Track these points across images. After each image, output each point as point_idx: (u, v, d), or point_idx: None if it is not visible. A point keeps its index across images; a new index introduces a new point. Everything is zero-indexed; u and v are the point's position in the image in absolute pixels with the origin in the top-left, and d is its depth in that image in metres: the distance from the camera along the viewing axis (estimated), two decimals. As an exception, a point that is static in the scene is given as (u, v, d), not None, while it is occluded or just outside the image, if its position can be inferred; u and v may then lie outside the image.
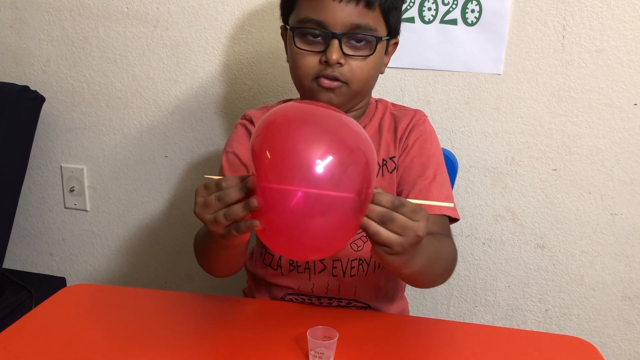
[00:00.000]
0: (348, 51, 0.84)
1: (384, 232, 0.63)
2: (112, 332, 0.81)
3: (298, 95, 0.96)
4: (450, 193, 0.94)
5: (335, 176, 0.58)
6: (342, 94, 0.86)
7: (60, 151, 1.52)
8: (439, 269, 0.83)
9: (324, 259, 0.94)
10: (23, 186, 1.51)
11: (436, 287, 1.39)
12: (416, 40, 1.23)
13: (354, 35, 0.83)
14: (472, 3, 1.18)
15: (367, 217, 0.62)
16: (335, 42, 0.82)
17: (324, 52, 0.83)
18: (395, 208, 0.63)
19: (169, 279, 1.57)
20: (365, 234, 0.64)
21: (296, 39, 0.85)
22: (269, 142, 0.61)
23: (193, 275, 1.55)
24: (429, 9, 1.21)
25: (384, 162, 0.94)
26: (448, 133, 1.28)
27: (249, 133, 0.98)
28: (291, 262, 0.96)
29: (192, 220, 1.48)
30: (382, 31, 0.86)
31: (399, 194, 0.93)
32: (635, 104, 1.18)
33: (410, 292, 1.36)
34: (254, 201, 0.60)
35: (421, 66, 1.25)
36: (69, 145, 1.51)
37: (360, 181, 0.60)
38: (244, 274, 1.08)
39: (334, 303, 0.97)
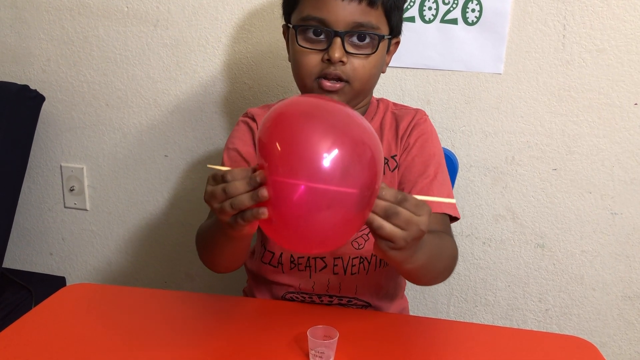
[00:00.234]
0: (350, 50, 0.84)
1: (387, 226, 0.63)
2: (112, 331, 0.81)
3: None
4: (450, 192, 0.95)
5: (346, 170, 0.59)
6: (344, 94, 0.87)
7: (60, 150, 1.52)
8: (440, 266, 0.83)
9: (324, 257, 0.94)
10: (23, 185, 1.51)
11: (436, 287, 1.39)
12: (417, 39, 1.23)
13: (356, 33, 0.83)
14: (472, 2, 1.18)
15: (372, 211, 0.63)
16: (338, 41, 0.82)
17: (326, 50, 0.84)
18: (399, 202, 0.63)
19: (169, 279, 1.57)
20: (367, 231, 0.64)
21: (298, 37, 0.85)
22: (280, 134, 0.61)
23: (193, 274, 1.55)
24: (430, 8, 1.21)
25: (386, 160, 0.94)
26: (448, 132, 1.28)
27: (251, 130, 0.98)
28: (292, 259, 0.96)
29: (192, 220, 1.49)
30: (384, 30, 0.87)
31: (400, 192, 0.93)
32: (636, 104, 1.18)
33: (410, 291, 1.36)
34: (264, 191, 0.60)
35: (421, 66, 1.25)
36: (69, 145, 1.51)
37: (367, 176, 0.60)
38: (243, 274, 1.08)
39: (334, 301, 0.97)
